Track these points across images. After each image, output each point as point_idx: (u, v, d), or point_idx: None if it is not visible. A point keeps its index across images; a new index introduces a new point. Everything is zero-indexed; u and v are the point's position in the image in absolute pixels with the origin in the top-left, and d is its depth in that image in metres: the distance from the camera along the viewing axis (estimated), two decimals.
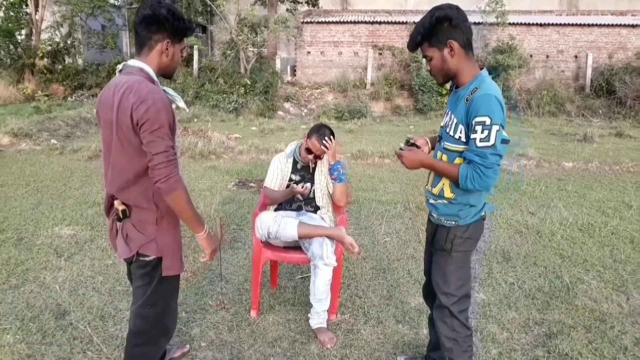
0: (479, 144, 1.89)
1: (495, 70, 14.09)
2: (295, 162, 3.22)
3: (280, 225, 2.85)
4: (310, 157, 3.11)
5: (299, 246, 3.02)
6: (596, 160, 7.86)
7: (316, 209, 3.19)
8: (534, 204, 5.60)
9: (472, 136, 1.91)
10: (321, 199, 3.19)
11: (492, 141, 1.88)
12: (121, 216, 1.96)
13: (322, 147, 3.06)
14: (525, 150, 8.32)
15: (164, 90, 1.96)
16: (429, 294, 2.37)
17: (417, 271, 3.76)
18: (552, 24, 15.86)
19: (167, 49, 1.96)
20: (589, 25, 15.73)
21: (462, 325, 2.14)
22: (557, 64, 15.97)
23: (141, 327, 2.08)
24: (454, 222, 2.10)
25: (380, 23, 16.24)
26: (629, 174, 7.27)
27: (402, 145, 2.17)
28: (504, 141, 1.92)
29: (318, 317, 2.87)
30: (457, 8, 1.97)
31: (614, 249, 4.23)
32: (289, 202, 3.20)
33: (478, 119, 1.88)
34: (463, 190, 2.03)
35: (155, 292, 2.04)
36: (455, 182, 2.02)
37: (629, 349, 2.75)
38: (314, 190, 3.17)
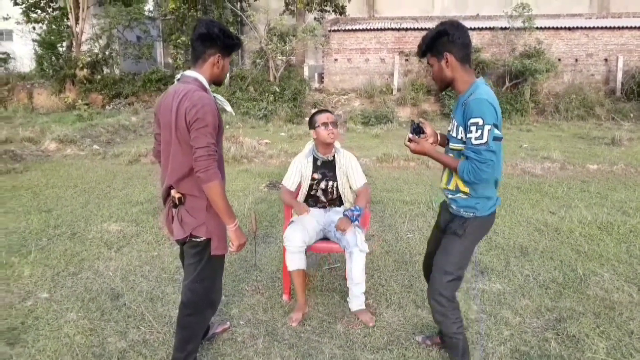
0: (474, 142, 2.17)
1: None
2: (315, 160, 3.43)
3: (310, 232, 3.19)
4: (329, 128, 3.26)
5: (325, 237, 3.32)
6: (622, 163, 7.91)
7: (340, 203, 3.46)
8: (555, 204, 5.75)
9: (468, 135, 2.19)
10: (343, 194, 3.44)
11: (485, 139, 2.15)
12: (177, 203, 2.30)
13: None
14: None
15: (214, 97, 2.30)
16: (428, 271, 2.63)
17: None
18: (581, 28, 15.77)
19: (218, 61, 2.31)
20: (619, 28, 15.59)
21: (448, 300, 2.42)
22: (586, 68, 15.86)
23: (191, 299, 2.41)
24: (472, 214, 2.36)
25: (406, 30, 16.48)
26: None
27: (409, 136, 2.41)
28: (497, 139, 2.19)
29: (357, 300, 3.16)
30: (457, 25, 2.26)
31: (631, 245, 4.37)
32: (315, 201, 3.46)
33: (472, 120, 2.16)
34: (466, 182, 2.29)
35: (205, 269, 2.37)
36: (455, 174, 2.30)
37: (634, 333, 2.94)
38: (336, 187, 3.41)
